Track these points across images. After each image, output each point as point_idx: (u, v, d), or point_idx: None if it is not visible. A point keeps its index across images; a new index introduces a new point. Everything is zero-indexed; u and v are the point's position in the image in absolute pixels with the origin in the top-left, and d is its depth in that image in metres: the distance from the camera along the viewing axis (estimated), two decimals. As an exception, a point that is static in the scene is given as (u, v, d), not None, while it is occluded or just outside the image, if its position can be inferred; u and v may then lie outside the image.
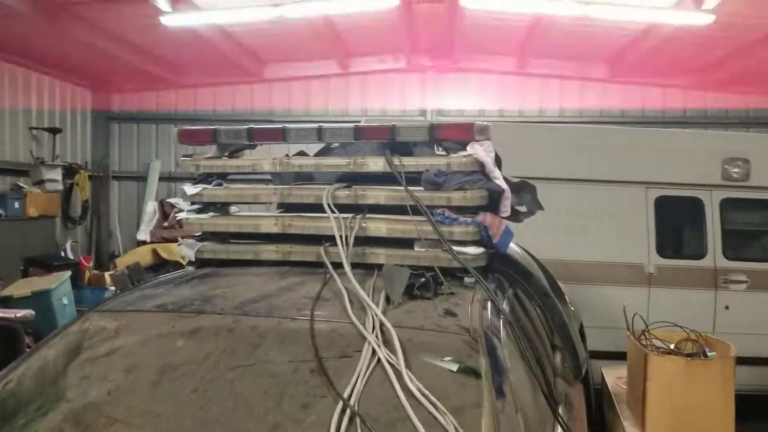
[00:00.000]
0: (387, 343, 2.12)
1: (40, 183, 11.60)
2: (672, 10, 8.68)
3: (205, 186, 3.08)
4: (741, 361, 4.06)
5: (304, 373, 2.04)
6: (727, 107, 12.85)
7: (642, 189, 6.42)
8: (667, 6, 8.68)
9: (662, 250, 6.41)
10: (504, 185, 2.90)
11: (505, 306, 2.70)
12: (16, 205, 10.76)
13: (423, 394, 1.92)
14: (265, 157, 3.09)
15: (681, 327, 3.68)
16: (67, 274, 8.57)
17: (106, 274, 10.23)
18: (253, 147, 3.25)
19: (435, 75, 13.33)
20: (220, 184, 3.13)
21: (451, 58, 12.78)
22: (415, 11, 10.19)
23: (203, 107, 13.98)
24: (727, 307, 6.36)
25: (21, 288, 7.84)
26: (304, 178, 3.43)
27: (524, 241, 5.84)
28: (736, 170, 6.39)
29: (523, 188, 3.73)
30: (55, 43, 10.91)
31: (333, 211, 2.78)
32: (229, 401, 1.97)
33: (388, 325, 2.18)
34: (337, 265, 2.60)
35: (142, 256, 10.57)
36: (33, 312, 6.28)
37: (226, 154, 3.21)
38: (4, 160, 11.35)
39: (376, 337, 2.14)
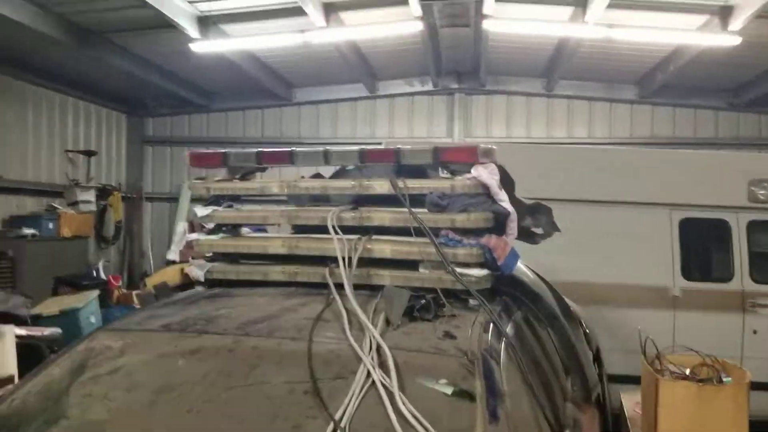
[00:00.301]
0: (383, 364, 2.13)
1: (74, 204, 11.90)
2: (698, 32, 8.61)
3: (216, 208, 3.14)
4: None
5: (299, 394, 2.06)
6: (759, 128, 12.65)
7: (666, 211, 6.34)
8: (692, 28, 8.62)
9: (688, 273, 6.30)
10: (509, 208, 2.89)
11: (509, 328, 2.69)
12: (51, 225, 11.03)
13: (415, 417, 1.92)
14: (274, 179, 3.14)
15: (696, 351, 3.61)
16: (95, 293, 8.74)
17: (134, 294, 10.40)
18: (263, 170, 3.30)
19: (462, 97, 13.36)
20: (230, 206, 3.18)
21: (478, 81, 12.82)
22: (440, 35, 10.27)
23: (234, 131, 14.21)
24: (755, 332, 6.21)
25: (50, 306, 8.02)
26: (320, 199, 3.48)
27: (545, 263, 5.84)
28: (762, 192, 6.28)
29: (538, 210, 3.74)
30: (91, 70, 11.25)
31: (337, 233, 2.81)
32: (223, 421, 1.99)
33: (385, 346, 2.19)
34: (342, 286, 2.62)
35: (171, 275, 10.71)
36: (60, 330, 6.39)
37: (238, 176, 3.26)
38: (40, 181, 11.67)
39: (372, 358, 2.14)
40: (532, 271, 3.71)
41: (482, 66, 11.92)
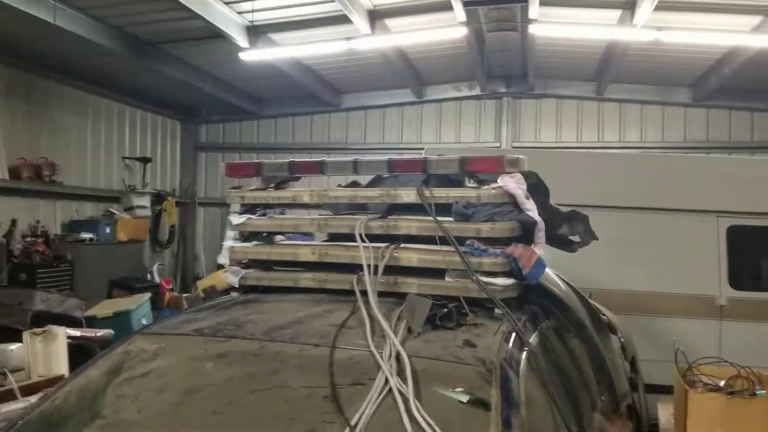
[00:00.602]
0: (401, 372, 2.17)
1: (130, 209, 12.31)
2: (752, 34, 8.39)
3: (250, 216, 3.23)
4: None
5: (318, 398, 2.12)
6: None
7: (713, 218, 6.20)
8: (746, 29, 8.40)
9: (735, 282, 6.14)
10: (536, 217, 2.89)
11: (533, 338, 2.69)
12: (108, 230, 11.44)
13: (428, 424, 1.95)
14: (305, 189, 3.21)
15: (731, 363, 3.54)
16: (147, 296, 9.03)
17: (183, 297, 10.69)
18: (296, 179, 3.37)
19: (511, 101, 13.28)
20: (264, 215, 3.27)
21: (527, 84, 12.73)
22: (487, 39, 10.25)
23: (283, 137, 14.45)
24: None
25: (104, 309, 8.33)
26: (356, 207, 3.55)
27: (589, 271, 5.79)
28: (816, 199, 6.08)
29: (575, 218, 3.71)
30: (147, 79, 11.64)
31: (364, 241, 2.86)
32: (243, 423, 2.07)
33: (404, 354, 2.23)
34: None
35: (220, 279, 10.95)
36: (113, 332, 6.63)
37: (272, 185, 3.35)
38: (98, 187, 12.11)
39: (391, 365, 2.19)
40: (563, 280, 3.69)
41: (530, 70, 11.84)
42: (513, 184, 2.83)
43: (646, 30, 8.36)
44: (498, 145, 13.18)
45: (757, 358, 4.18)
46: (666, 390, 5.14)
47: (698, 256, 6.15)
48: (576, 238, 3.74)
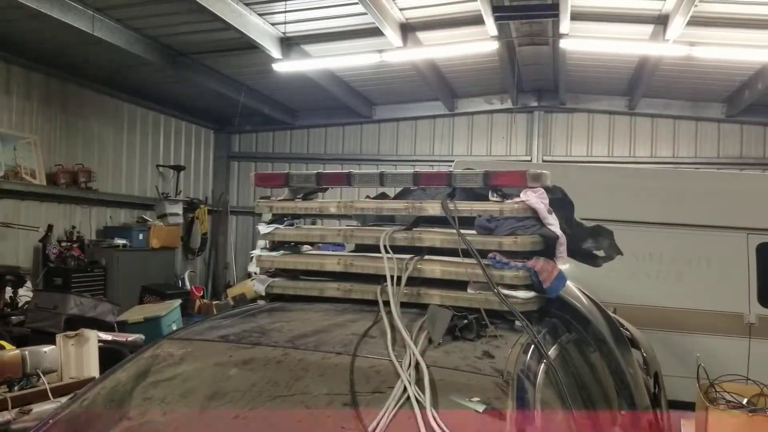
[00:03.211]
0: (420, 380, 2.21)
1: (163, 216, 12.52)
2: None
3: (278, 226, 3.30)
4: None
5: (337, 405, 2.17)
6: None
7: (743, 235, 6.13)
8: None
9: (765, 300, 6.06)
10: (558, 231, 2.92)
11: (552, 351, 2.72)
12: (141, 236, 11.65)
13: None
14: (332, 200, 3.28)
15: (754, 381, 3.51)
16: (178, 302, 9.18)
17: (213, 304, 10.83)
18: (323, 190, 3.44)
19: (542, 115, 13.26)
20: (291, 224, 3.34)
21: (558, 99, 12.70)
22: (518, 53, 10.27)
23: (315, 147, 14.59)
24: None
25: (135, 314, 8.49)
26: (385, 219, 3.61)
27: (616, 286, 5.77)
28: None
29: (599, 233, 3.73)
30: (181, 89, 11.87)
31: (388, 252, 2.91)
32: (264, 428, 2.12)
33: (423, 363, 2.27)
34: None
35: (250, 287, 11.08)
36: (143, 336, 6.75)
37: (300, 196, 3.42)
38: (132, 194, 12.35)
39: (410, 375, 2.23)
40: (585, 294, 3.70)
41: (561, 84, 11.82)
42: (535, 198, 2.86)
43: (679, 45, 8.31)
44: (529, 158, 13.16)
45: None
46: (690, 406, 5.10)
47: (727, 273, 6.09)
48: (601, 253, 3.75)
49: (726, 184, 6.42)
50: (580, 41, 8.95)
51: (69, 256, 9.96)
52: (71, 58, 9.91)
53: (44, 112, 10.31)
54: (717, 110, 12.18)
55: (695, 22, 7.91)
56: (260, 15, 8.80)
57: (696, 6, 7.31)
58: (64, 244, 10.18)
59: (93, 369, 5.12)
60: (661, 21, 8.41)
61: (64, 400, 4.10)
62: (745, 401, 3.46)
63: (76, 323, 6.60)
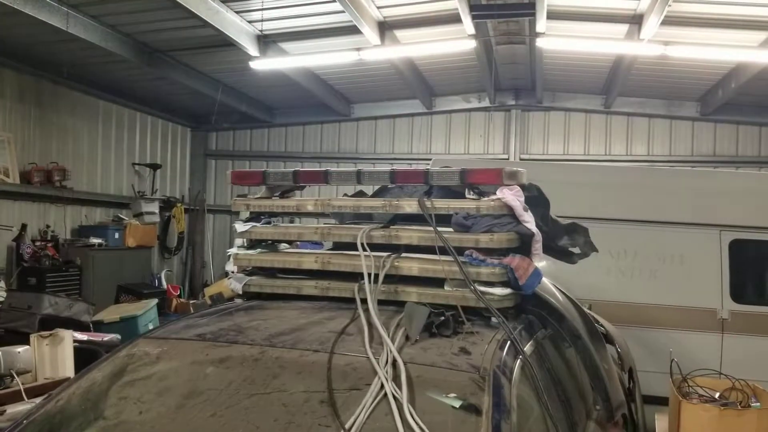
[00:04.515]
0: (397, 377, 2.22)
1: (139, 215, 12.43)
2: (759, 49, 8.42)
3: (255, 224, 3.29)
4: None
5: (314, 403, 2.17)
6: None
7: (716, 232, 6.21)
8: (753, 45, 8.44)
9: (737, 296, 6.15)
10: (534, 229, 2.95)
11: (528, 346, 2.74)
12: (117, 235, 11.56)
13: (420, 428, 2.00)
14: (309, 198, 3.28)
15: (726, 375, 3.57)
16: (154, 301, 9.11)
17: (190, 303, 10.76)
18: (301, 188, 3.44)
19: (519, 113, 13.34)
20: (269, 223, 3.34)
21: (535, 97, 12.79)
22: (495, 52, 10.33)
23: (293, 146, 14.54)
24: None
25: (111, 313, 8.42)
26: (363, 217, 3.61)
27: (591, 282, 5.83)
28: (819, 214, 6.10)
29: (575, 230, 3.76)
30: (158, 86, 11.77)
31: (365, 250, 2.92)
32: (241, 427, 2.12)
33: (400, 360, 2.28)
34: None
35: (227, 286, 11.05)
36: (119, 336, 6.69)
37: (277, 194, 3.42)
38: (108, 193, 12.23)
39: (387, 371, 2.24)
40: (561, 291, 3.74)
41: (538, 82, 11.90)
42: (511, 196, 2.89)
43: (653, 44, 8.40)
44: (506, 156, 13.24)
45: (758, 372, 4.20)
46: (664, 401, 5.17)
47: (700, 270, 6.17)
48: (576, 250, 3.79)
49: (699, 182, 6.52)
50: (556, 40, 9.01)
51: (43, 255, 9.84)
52: (46, 55, 9.80)
53: (18, 109, 10.17)
54: (691, 109, 12.35)
55: (669, 21, 8.01)
56: (237, 12, 8.76)
57: (670, 6, 7.41)
58: (38, 243, 10.06)
59: (68, 369, 5.07)
60: (636, 20, 8.50)
61: (38, 400, 4.06)
62: (717, 395, 3.52)
63: (50, 323, 6.53)
